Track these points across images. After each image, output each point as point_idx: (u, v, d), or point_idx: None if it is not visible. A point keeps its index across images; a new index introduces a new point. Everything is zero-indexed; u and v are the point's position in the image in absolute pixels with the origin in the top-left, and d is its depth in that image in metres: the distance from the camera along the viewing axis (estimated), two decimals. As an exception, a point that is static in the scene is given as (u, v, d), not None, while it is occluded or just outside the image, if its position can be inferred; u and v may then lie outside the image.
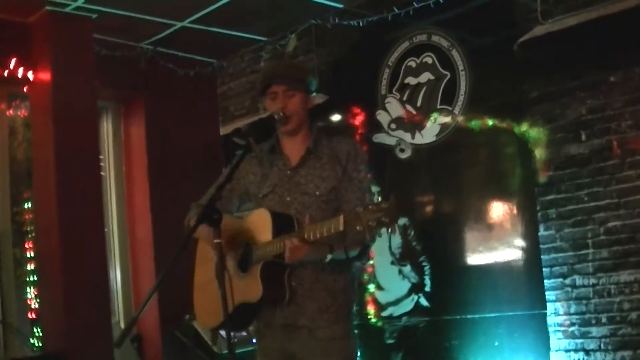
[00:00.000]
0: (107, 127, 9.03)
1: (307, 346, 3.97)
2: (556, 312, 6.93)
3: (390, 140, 8.17)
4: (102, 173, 8.35)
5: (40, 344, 7.60)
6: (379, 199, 8.06)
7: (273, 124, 4.03)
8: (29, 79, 7.67)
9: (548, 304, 6.96)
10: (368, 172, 4.21)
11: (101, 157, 8.45)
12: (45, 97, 7.60)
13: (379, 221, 3.36)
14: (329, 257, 3.77)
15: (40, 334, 7.62)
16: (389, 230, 7.84)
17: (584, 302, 6.77)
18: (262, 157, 4.19)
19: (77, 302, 7.28)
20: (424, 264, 7.77)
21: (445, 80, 7.77)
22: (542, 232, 7.05)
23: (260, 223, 3.91)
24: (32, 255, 7.80)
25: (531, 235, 7.16)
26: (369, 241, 3.90)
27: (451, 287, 7.63)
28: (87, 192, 7.63)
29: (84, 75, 7.75)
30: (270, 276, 3.82)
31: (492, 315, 7.29)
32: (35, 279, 7.73)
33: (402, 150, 8.08)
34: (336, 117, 8.56)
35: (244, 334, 7.00)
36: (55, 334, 7.41)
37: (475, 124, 7.54)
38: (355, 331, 4.18)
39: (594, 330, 6.69)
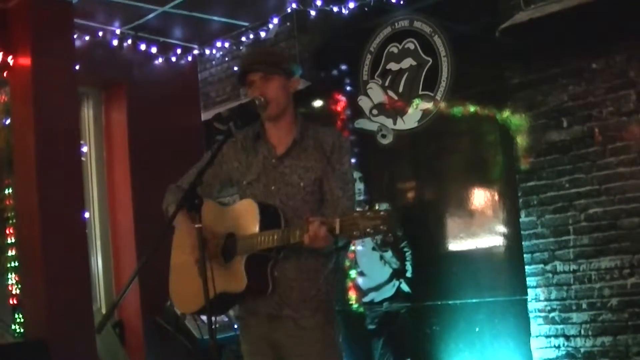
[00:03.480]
0: (87, 113, 8.97)
1: (292, 335, 3.97)
2: (537, 298, 6.96)
3: (371, 126, 8.18)
4: (83, 159, 8.30)
5: (22, 331, 7.57)
6: (362, 186, 8.09)
7: (255, 110, 4.01)
8: (8, 64, 7.61)
9: (529, 290, 7.00)
10: (352, 163, 4.20)
11: (82, 143, 8.40)
12: (25, 82, 7.54)
13: (377, 229, 3.36)
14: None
15: (22, 321, 7.59)
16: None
17: (565, 288, 6.80)
18: (246, 143, 4.17)
19: (58, 288, 7.25)
20: (405, 250, 7.78)
21: (427, 67, 7.78)
22: (523, 218, 7.07)
23: (246, 214, 3.89)
24: (13, 241, 7.76)
25: (512, 222, 7.19)
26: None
27: (432, 273, 7.66)
28: (67, 178, 7.59)
29: (65, 61, 7.69)
30: (254, 268, 3.81)
31: (473, 301, 7.32)
32: (16, 265, 7.70)
33: (384, 136, 8.08)
34: (318, 103, 8.56)
35: (226, 319, 7.00)
36: (36, 321, 7.38)
37: (457, 110, 7.55)
38: (337, 317, 4.19)
39: (575, 316, 6.72)
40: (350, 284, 8.19)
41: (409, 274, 7.75)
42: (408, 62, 7.93)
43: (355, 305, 8.15)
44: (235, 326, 4.81)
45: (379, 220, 3.35)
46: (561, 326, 6.81)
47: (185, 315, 7.34)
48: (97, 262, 8.80)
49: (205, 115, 9.51)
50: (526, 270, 7.02)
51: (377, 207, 3.38)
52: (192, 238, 3.88)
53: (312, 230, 3.57)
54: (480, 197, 7.49)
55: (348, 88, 8.39)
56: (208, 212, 3.77)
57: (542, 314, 6.93)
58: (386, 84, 8.09)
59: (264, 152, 4.10)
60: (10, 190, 7.85)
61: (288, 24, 8.88)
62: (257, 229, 3.80)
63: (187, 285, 4.03)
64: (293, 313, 3.95)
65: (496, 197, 7.36)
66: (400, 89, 7.97)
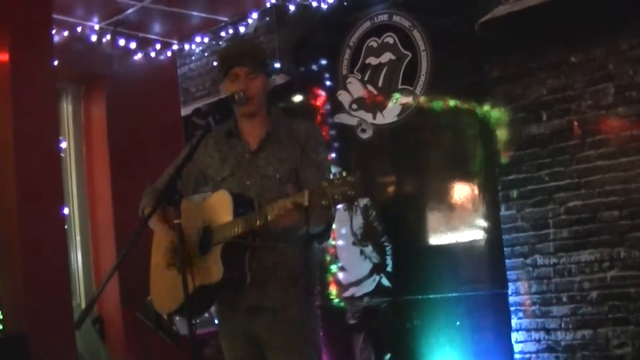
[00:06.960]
0: (66, 108, 8.94)
1: (270, 328, 3.96)
2: (517, 292, 6.97)
3: (351, 121, 8.17)
4: (62, 155, 8.27)
5: (0, 327, 7.54)
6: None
7: (231, 105, 3.99)
8: (-14, 59, 7.58)
9: (509, 284, 7.01)
10: (327, 153, 4.19)
11: (61, 138, 8.36)
12: (3, 78, 7.49)
13: (345, 194, 3.32)
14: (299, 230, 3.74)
15: (0, 317, 7.56)
16: (352, 208, 7.82)
17: (545, 281, 6.82)
18: (219, 140, 4.15)
19: (38, 284, 7.21)
20: (385, 244, 7.77)
21: (406, 61, 7.78)
22: (503, 212, 7.08)
23: (220, 204, 3.87)
24: (-9, 237, 7.73)
25: (492, 215, 7.21)
26: (332, 218, 3.88)
27: (413, 268, 7.65)
28: (46, 174, 7.54)
29: (43, 56, 7.64)
30: (230, 257, 3.78)
31: (454, 295, 7.33)
32: (-5, 261, 7.67)
33: (364, 131, 8.08)
34: (297, 98, 8.55)
35: (206, 315, 6.98)
36: (15, 317, 7.34)
37: (436, 104, 7.56)
38: (318, 312, 4.18)
39: (555, 310, 6.74)
40: (330, 278, 8.18)
41: (389, 269, 7.74)
42: (387, 57, 7.93)
43: (335, 300, 8.14)
44: (216, 321, 4.79)
45: (346, 187, 3.31)
46: (541, 319, 6.83)
47: (171, 318, 7.34)
48: (77, 258, 8.77)
49: (184, 111, 9.49)
50: (506, 264, 7.03)
51: (344, 174, 3.35)
52: (167, 239, 3.87)
53: (279, 203, 3.55)
54: (460, 191, 7.50)
55: (327, 83, 8.38)
56: (183, 210, 3.74)
57: (523, 308, 6.95)
58: (365, 78, 8.09)
59: (237, 147, 4.09)
60: (-12, 186, 7.80)
61: (267, 18, 8.87)
62: (230, 217, 3.78)
63: (165, 286, 4.01)
64: (271, 305, 3.94)
65: (476, 191, 7.37)
66: (380, 83, 7.97)
